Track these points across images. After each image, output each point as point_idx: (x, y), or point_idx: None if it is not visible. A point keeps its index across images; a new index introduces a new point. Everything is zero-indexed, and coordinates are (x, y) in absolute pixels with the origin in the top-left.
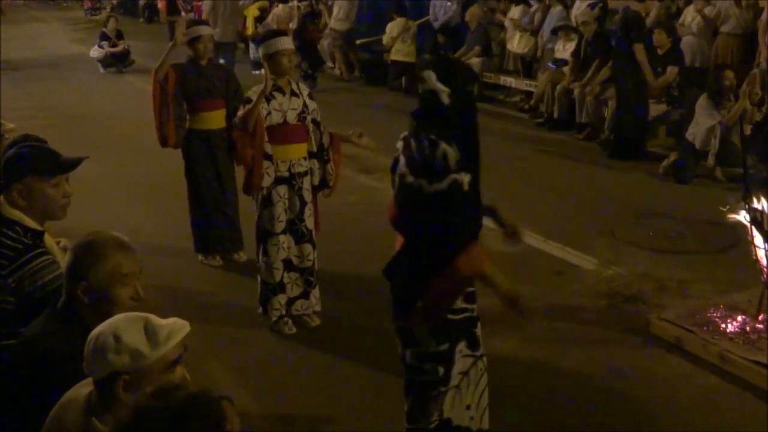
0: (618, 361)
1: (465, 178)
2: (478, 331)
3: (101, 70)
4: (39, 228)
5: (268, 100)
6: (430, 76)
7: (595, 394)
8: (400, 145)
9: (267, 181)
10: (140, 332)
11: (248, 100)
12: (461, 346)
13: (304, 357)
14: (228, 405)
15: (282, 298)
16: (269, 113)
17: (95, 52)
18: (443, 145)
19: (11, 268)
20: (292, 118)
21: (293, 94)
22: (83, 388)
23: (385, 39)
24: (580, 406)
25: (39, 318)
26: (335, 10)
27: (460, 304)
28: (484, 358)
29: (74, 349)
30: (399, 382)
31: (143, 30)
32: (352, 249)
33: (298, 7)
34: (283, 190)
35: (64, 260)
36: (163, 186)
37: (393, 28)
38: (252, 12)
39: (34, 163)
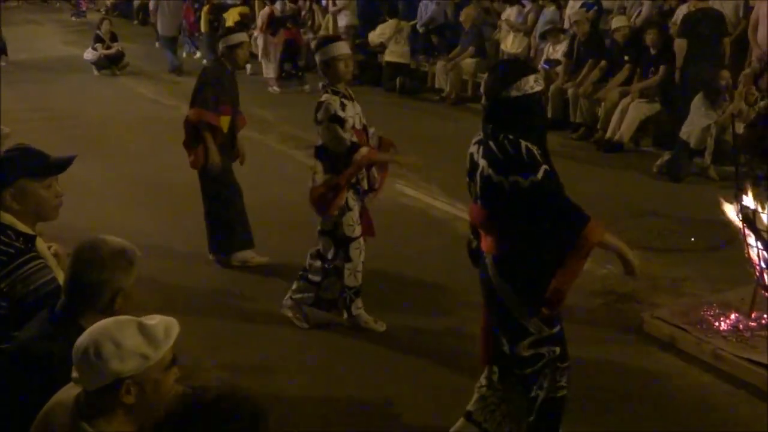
0: (611, 359)
1: (549, 170)
2: None
3: (95, 72)
4: (31, 232)
5: (343, 107)
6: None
7: (588, 392)
8: (474, 149)
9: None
10: (137, 335)
11: (339, 119)
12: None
13: (300, 357)
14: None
15: (361, 299)
16: (346, 121)
17: (89, 54)
18: (523, 143)
19: (3, 272)
20: (358, 123)
21: (352, 98)
22: (71, 390)
23: (372, 38)
24: (573, 405)
25: (33, 321)
26: (339, 7)
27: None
28: None
29: (71, 352)
30: (395, 382)
31: (138, 32)
32: None
33: (285, 5)
34: (353, 194)
35: (67, 267)
36: (158, 187)
37: (385, 29)
38: (232, 16)
39: (25, 166)
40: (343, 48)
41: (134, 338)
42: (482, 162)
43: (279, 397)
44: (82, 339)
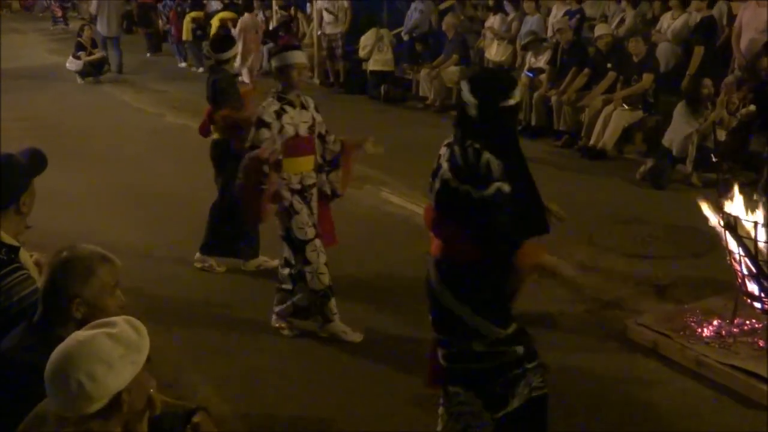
0: (595, 366)
1: (506, 187)
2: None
3: (79, 80)
4: (15, 243)
5: (279, 115)
6: (464, 87)
7: (572, 399)
8: (443, 151)
9: (287, 195)
10: (116, 345)
11: (265, 124)
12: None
13: (282, 367)
14: (204, 416)
15: (334, 301)
16: (282, 127)
17: (72, 64)
18: (486, 155)
19: None
20: (303, 130)
21: (302, 107)
22: None
23: (362, 53)
24: (556, 411)
25: (13, 333)
26: (327, 15)
27: None
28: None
29: None
30: (381, 390)
31: (122, 40)
32: (335, 258)
33: (266, 17)
34: (299, 198)
35: (42, 276)
36: (141, 195)
37: (366, 39)
38: (215, 22)
39: (31, 167)
40: (298, 57)
41: (116, 349)
42: (445, 165)
43: (263, 406)
44: (60, 374)
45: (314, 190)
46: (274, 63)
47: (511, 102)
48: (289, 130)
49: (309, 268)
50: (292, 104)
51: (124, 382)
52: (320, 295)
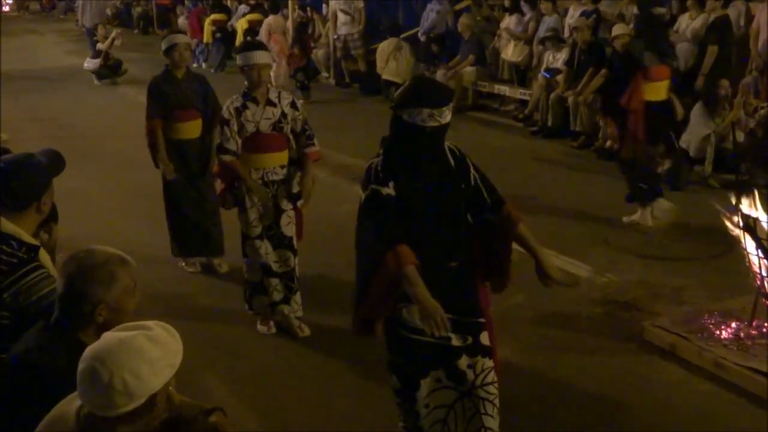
0: (613, 368)
1: (386, 190)
2: (462, 365)
3: (96, 81)
4: (35, 242)
5: (239, 112)
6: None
7: (590, 401)
8: None
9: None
10: (155, 347)
11: (225, 121)
12: (438, 374)
13: (297, 367)
14: (221, 416)
15: (264, 299)
16: (242, 126)
17: (89, 63)
18: (375, 162)
19: (6, 282)
20: (265, 127)
21: (269, 103)
22: (71, 404)
23: (379, 63)
24: (574, 414)
25: (29, 333)
26: (342, 16)
27: (420, 324)
28: (479, 399)
29: (69, 365)
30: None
31: (139, 42)
32: (343, 259)
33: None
34: (255, 197)
35: (59, 281)
36: (155, 196)
37: (385, 47)
38: (242, 24)
39: (50, 168)
40: (257, 57)
41: (156, 350)
42: None
43: (278, 406)
44: (101, 370)
45: (283, 187)
46: (237, 61)
47: (430, 123)
48: (249, 127)
49: (246, 260)
50: (255, 101)
51: (160, 384)
52: (252, 287)
